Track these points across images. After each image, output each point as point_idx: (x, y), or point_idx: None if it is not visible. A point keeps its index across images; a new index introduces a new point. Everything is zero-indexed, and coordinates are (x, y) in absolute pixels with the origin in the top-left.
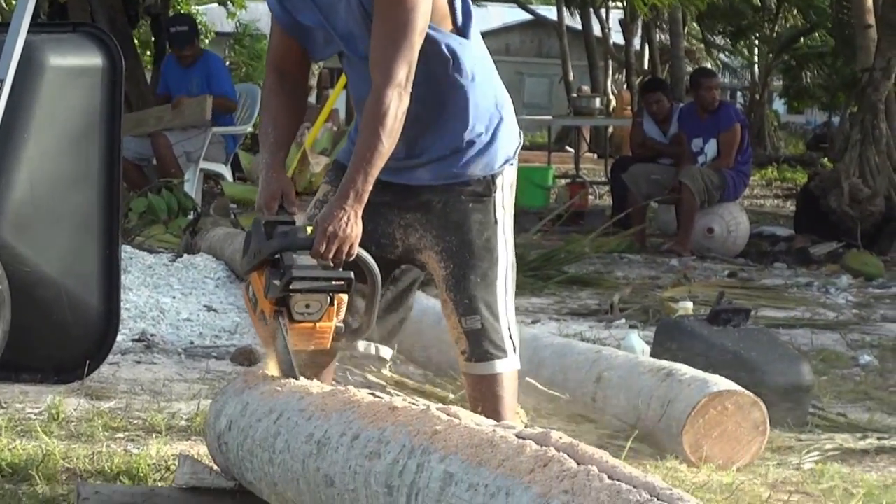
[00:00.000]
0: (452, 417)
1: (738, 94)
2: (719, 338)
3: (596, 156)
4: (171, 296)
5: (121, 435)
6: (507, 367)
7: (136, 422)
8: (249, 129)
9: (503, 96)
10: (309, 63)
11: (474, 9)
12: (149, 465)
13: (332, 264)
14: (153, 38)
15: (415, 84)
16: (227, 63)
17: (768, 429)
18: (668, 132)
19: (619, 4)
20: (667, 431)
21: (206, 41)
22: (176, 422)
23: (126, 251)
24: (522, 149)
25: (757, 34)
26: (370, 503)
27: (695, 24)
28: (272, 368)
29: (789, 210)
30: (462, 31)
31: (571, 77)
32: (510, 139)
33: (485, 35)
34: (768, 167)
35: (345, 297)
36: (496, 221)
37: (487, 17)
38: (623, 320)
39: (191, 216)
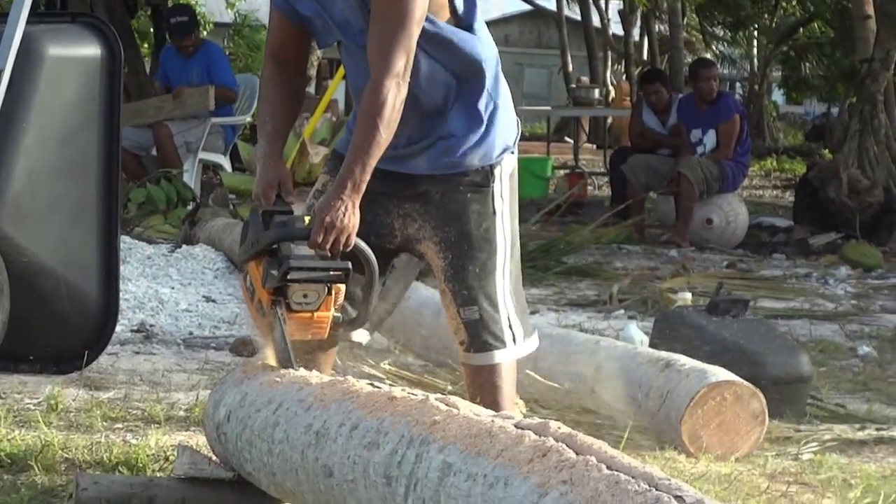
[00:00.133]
0: (451, 408)
1: (738, 84)
2: (718, 328)
3: (595, 146)
4: (170, 286)
5: (120, 425)
6: (506, 358)
7: (134, 412)
8: (248, 119)
9: (501, 86)
10: (308, 51)
11: None
12: (148, 456)
13: (329, 254)
14: (152, 29)
15: (412, 73)
16: (227, 53)
17: (767, 419)
18: (668, 123)
19: None
20: (665, 422)
21: (205, 32)
22: (175, 412)
23: (125, 242)
24: (521, 139)
25: (756, 25)
26: (369, 493)
27: (694, 15)
28: (270, 358)
29: (788, 201)
30: (463, 20)
31: (571, 68)
32: (508, 129)
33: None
34: (767, 158)
35: (342, 286)
36: (495, 212)
37: (487, 8)
38: (622, 311)
39: (190, 207)
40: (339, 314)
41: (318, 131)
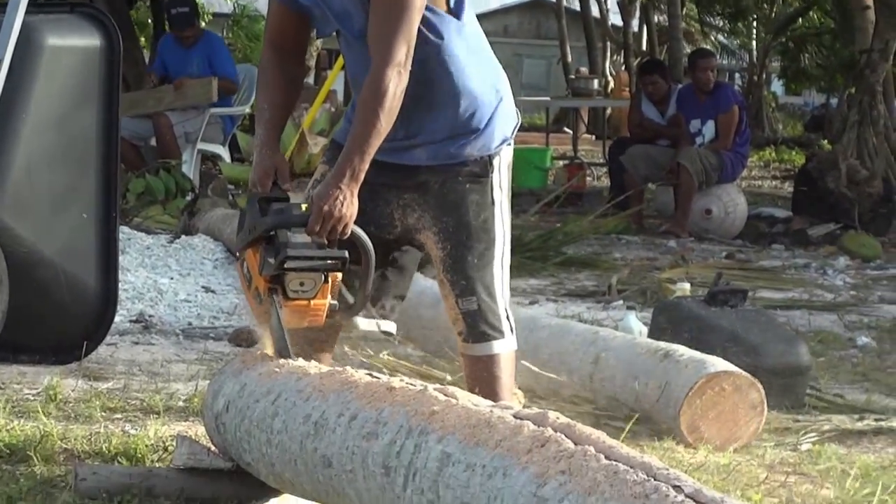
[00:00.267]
0: (450, 398)
1: (737, 75)
2: (717, 319)
3: (594, 137)
4: (169, 277)
5: (118, 416)
6: (505, 348)
7: (133, 402)
8: (247, 109)
9: (500, 76)
10: (307, 39)
11: None
12: (147, 446)
13: (326, 242)
14: (151, 19)
15: (412, 64)
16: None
17: (765, 410)
18: (667, 114)
19: None
20: (664, 412)
21: (204, 22)
22: (174, 402)
23: (124, 232)
24: (520, 130)
25: (755, 15)
26: (368, 484)
27: (693, 6)
28: (267, 346)
29: (787, 191)
30: (455, 11)
31: (570, 58)
32: (507, 119)
33: (483, 16)
34: (766, 148)
35: (339, 275)
36: (493, 202)
37: None
38: (621, 301)
39: (189, 197)
40: (335, 302)
41: (317, 122)
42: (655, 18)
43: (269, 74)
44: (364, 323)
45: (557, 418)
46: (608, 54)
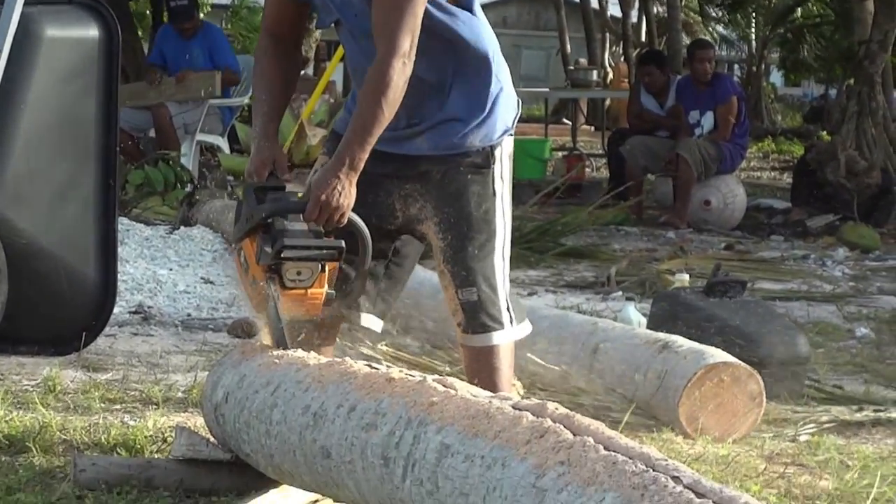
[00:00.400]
0: (449, 389)
1: (736, 66)
2: (716, 310)
3: (593, 128)
4: (168, 268)
5: (117, 407)
6: (504, 339)
7: (132, 394)
8: (246, 101)
9: (502, 66)
10: (303, 29)
11: None
12: (146, 437)
13: (322, 230)
14: (150, 10)
15: (416, 54)
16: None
17: (764, 401)
18: (666, 105)
19: None
20: (663, 403)
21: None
22: (173, 394)
23: (123, 223)
24: (519, 121)
25: (754, 6)
26: (367, 475)
27: None
28: (265, 337)
29: (786, 182)
30: (464, 3)
31: (569, 49)
32: (509, 109)
33: (482, 7)
34: (765, 140)
35: (336, 264)
36: (495, 193)
37: None
38: (620, 292)
39: (188, 188)
40: (332, 291)
41: (316, 113)
42: (655, 9)
43: (266, 64)
44: (366, 319)
45: (556, 409)
46: (607, 45)
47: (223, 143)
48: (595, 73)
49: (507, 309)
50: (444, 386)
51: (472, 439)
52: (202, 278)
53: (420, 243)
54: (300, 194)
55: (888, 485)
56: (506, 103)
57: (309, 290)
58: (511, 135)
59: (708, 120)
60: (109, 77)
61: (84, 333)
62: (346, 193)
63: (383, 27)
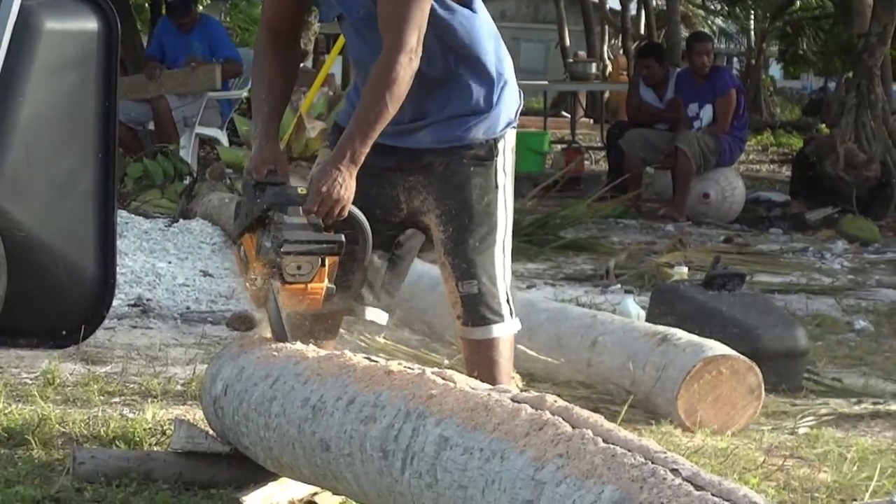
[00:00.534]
0: (448, 381)
1: (735, 59)
2: (715, 303)
3: (592, 121)
4: (167, 261)
5: (117, 399)
6: (504, 332)
7: (132, 386)
8: (245, 93)
9: (505, 60)
10: (303, 21)
11: None
12: (145, 430)
13: (322, 225)
14: (148, 3)
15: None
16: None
17: (763, 394)
18: (665, 97)
19: None
20: (662, 396)
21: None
22: (172, 386)
23: (122, 216)
24: (519, 114)
25: None
26: (366, 467)
27: None
28: (265, 331)
29: (785, 175)
30: (466, 2)
31: (568, 42)
32: (511, 102)
33: (483, 1)
34: (764, 132)
35: (336, 258)
36: (497, 186)
37: None
38: (619, 285)
39: (186, 181)
40: (332, 285)
41: (315, 105)
42: (654, 2)
43: (266, 61)
44: (371, 312)
45: (555, 402)
46: (606, 38)
47: (222, 136)
48: (594, 65)
49: (507, 301)
50: (443, 378)
51: (470, 432)
52: (201, 271)
53: (421, 236)
54: (301, 189)
55: (887, 477)
56: (509, 96)
57: (309, 285)
58: (514, 127)
59: (707, 113)
60: (109, 70)
61: (83, 326)
62: (347, 186)
63: (390, 22)
